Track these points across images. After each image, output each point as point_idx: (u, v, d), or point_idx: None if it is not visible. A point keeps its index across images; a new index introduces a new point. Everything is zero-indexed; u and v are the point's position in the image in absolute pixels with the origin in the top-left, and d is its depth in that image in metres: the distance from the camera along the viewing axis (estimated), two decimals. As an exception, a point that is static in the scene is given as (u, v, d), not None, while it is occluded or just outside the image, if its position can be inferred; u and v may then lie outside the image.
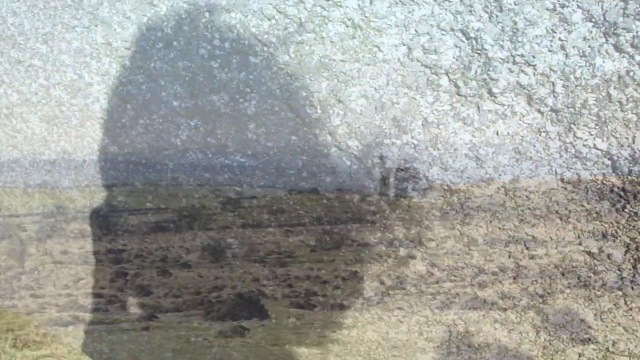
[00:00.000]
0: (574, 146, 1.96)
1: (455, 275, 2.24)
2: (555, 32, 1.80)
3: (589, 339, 2.26)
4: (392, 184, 2.00)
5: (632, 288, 2.12)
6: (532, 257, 2.15)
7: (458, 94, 1.95)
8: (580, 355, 2.31)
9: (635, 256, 2.06)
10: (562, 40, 1.81)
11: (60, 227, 2.13)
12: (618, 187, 1.98)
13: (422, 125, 2.02)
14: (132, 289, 2.22)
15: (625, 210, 2.00)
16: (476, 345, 2.38)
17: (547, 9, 1.78)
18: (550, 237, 2.11)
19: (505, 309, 2.27)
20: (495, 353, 2.38)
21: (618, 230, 2.04)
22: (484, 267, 2.20)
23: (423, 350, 2.43)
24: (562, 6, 1.76)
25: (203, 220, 2.12)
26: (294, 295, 2.18)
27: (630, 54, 1.78)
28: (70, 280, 2.20)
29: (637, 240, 2.04)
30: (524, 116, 1.94)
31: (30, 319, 2.64)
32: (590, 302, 2.19)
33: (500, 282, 2.21)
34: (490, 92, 1.92)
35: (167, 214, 2.06)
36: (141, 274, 2.22)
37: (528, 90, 1.90)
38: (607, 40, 1.78)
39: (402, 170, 2.06)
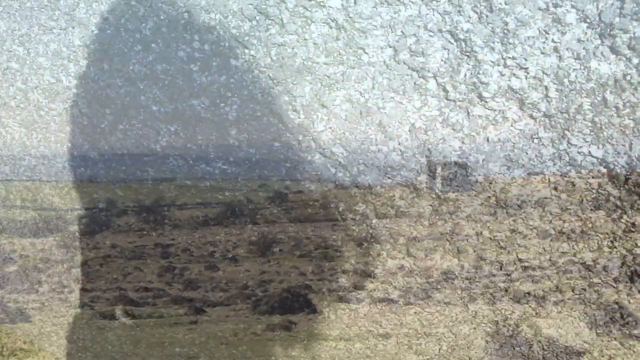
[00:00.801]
0: (568, 153, 1.88)
1: (445, 287, 2.17)
2: (548, 34, 1.73)
3: (584, 353, 2.18)
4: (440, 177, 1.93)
5: (629, 301, 2.04)
6: (524, 269, 2.07)
7: (447, 99, 1.88)
8: (576, 369, 2.24)
9: (632, 268, 1.99)
10: (555, 42, 1.73)
11: (110, 221, 2.09)
12: (614, 197, 1.90)
13: (410, 131, 1.95)
14: (179, 283, 2.20)
15: (622, 220, 1.92)
16: (467, 359, 2.30)
17: (540, 9, 1.71)
18: (544, 248, 2.03)
19: (497, 322, 2.19)
20: (487, 368, 2.31)
21: (614, 242, 1.97)
22: (475, 278, 2.12)
23: (413, 364, 2.37)
24: (556, 6, 1.69)
25: (250, 214, 2.08)
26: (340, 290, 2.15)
27: (627, 56, 1.70)
28: (119, 274, 2.19)
29: (634, 252, 1.96)
30: (515, 122, 1.87)
31: (15, 329, 2.60)
32: (585, 315, 2.11)
33: (491, 294, 2.14)
34: (480, 97, 1.85)
35: (215, 209, 2.01)
36: (189, 268, 2.20)
37: (520, 95, 1.83)
38: (602, 42, 1.71)
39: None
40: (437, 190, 1.85)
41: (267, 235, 2.05)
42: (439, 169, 1.89)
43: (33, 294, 2.26)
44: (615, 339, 2.13)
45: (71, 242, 2.15)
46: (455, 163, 1.85)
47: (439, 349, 2.31)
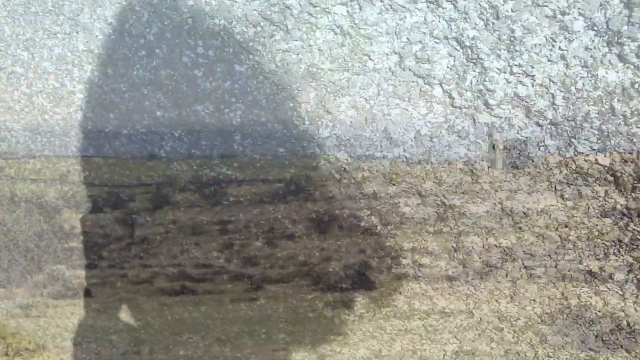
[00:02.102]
0: (574, 161, 1.86)
1: (449, 294, 2.15)
2: (555, 41, 1.71)
3: (591, 361, 2.17)
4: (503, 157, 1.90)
5: (635, 309, 2.02)
6: (530, 276, 2.06)
7: (452, 106, 1.86)
8: (581, 376, 2.22)
9: (639, 276, 1.97)
10: (562, 49, 1.71)
11: (170, 198, 2.08)
12: (621, 205, 1.88)
13: (415, 138, 1.93)
14: (239, 260, 2.18)
15: (629, 228, 1.91)
16: (472, 365, 2.30)
17: (547, 17, 1.69)
18: (549, 256, 2.01)
19: (501, 329, 2.18)
20: (492, 374, 2.30)
21: (620, 250, 1.95)
22: (479, 285, 2.11)
23: (417, 370, 2.36)
24: (563, 13, 1.67)
25: (308, 192, 2.06)
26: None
27: (635, 64, 1.68)
28: (179, 250, 2.18)
29: (641, 259, 1.95)
30: (522, 129, 1.85)
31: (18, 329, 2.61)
32: (591, 323, 2.10)
33: (496, 301, 2.12)
34: (486, 104, 1.83)
35: (274, 186, 2.00)
36: (248, 245, 2.17)
37: (526, 102, 1.81)
38: (610, 49, 1.69)
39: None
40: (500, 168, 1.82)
41: (326, 212, 2.02)
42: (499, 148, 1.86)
43: (94, 270, 2.26)
44: (621, 346, 2.11)
45: (131, 219, 2.14)
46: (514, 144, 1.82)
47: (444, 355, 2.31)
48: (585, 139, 1.81)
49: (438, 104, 1.87)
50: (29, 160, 2.16)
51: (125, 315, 2.51)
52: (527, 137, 1.85)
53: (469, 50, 1.78)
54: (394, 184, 2.01)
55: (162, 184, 2.08)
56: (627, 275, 1.98)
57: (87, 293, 2.27)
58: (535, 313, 2.13)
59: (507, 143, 1.85)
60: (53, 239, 2.17)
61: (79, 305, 2.50)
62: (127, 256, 2.21)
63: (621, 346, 2.10)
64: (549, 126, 1.83)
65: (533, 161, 1.88)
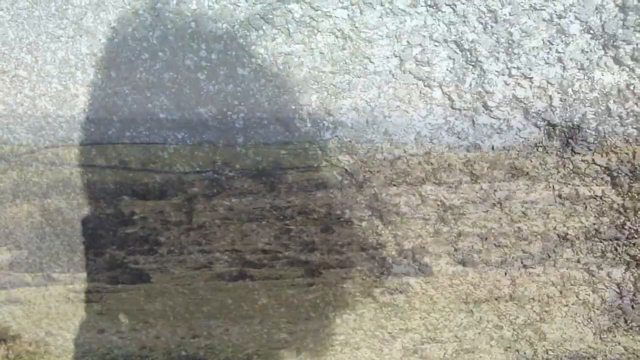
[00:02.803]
0: (572, 161, 1.89)
1: (450, 293, 2.18)
2: (552, 44, 1.74)
3: (588, 358, 2.20)
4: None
5: (633, 307, 2.05)
6: (529, 275, 2.09)
7: (452, 107, 1.89)
8: (579, 373, 2.25)
9: (636, 274, 2.00)
10: (559, 52, 1.74)
11: (227, 184, 2.09)
12: (618, 204, 1.92)
13: (415, 139, 1.96)
14: (296, 246, 2.18)
15: (625, 227, 1.94)
16: (472, 363, 2.32)
17: (544, 20, 1.72)
18: (548, 255, 2.05)
19: (501, 327, 2.21)
20: (492, 372, 2.33)
21: (618, 248, 1.98)
22: (479, 284, 2.14)
23: (418, 368, 2.38)
24: (560, 17, 1.70)
25: (364, 177, 2.08)
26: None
27: (630, 66, 1.71)
28: (237, 236, 2.18)
29: (637, 257, 1.98)
30: (520, 130, 1.88)
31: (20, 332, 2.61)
32: (589, 320, 2.13)
33: (496, 299, 2.15)
34: (485, 106, 1.86)
35: (329, 172, 2.01)
36: (305, 231, 2.17)
37: (524, 104, 1.84)
38: (606, 52, 1.72)
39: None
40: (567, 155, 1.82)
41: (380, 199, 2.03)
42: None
43: (152, 256, 2.26)
44: (619, 344, 2.15)
45: (189, 205, 2.15)
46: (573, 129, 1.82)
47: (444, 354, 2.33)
48: (582, 140, 1.85)
49: (438, 105, 1.90)
50: (85, 147, 2.15)
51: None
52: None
53: (468, 53, 1.81)
54: (394, 185, 2.04)
55: (220, 170, 2.08)
56: (624, 273, 2.01)
57: (146, 278, 2.28)
58: (534, 311, 2.16)
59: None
60: (112, 224, 2.18)
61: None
62: (186, 242, 2.21)
63: (619, 343, 2.13)
64: (546, 127, 1.86)
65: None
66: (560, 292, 2.10)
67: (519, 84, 1.81)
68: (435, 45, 1.82)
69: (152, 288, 2.31)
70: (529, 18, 1.72)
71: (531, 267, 2.08)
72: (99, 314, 2.40)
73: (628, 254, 1.98)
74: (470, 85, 1.85)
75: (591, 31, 1.70)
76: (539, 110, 1.84)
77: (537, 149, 1.90)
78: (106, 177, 2.15)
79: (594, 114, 1.80)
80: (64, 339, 2.63)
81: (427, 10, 1.78)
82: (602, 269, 2.03)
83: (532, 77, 1.79)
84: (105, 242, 2.23)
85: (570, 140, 1.85)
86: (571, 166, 1.90)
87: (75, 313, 2.42)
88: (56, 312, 2.42)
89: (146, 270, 2.28)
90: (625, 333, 2.12)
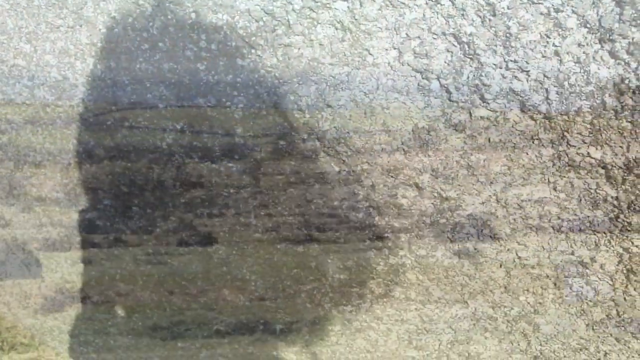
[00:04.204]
0: (567, 154, 1.92)
1: (445, 284, 2.20)
2: (549, 38, 1.76)
3: (581, 349, 2.22)
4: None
5: (625, 299, 2.08)
6: (523, 267, 2.11)
7: (449, 100, 1.91)
8: (572, 365, 2.28)
9: (628, 266, 2.03)
10: (556, 45, 1.76)
11: (294, 148, 2.07)
12: (612, 197, 1.94)
13: (413, 131, 1.98)
14: (362, 210, 2.18)
15: (619, 219, 1.96)
16: (466, 354, 2.34)
17: (542, 14, 1.74)
18: (543, 246, 2.07)
19: (495, 318, 2.23)
20: (486, 363, 2.35)
21: (611, 240, 2.01)
22: (475, 275, 2.16)
23: (412, 359, 2.40)
24: (557, 11, 1.72)
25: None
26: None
27: (626, 60, 1.74)
28: (303, 200, 2.17)
29: (630, 250, 2.01)
30: (516, 123, 1.90)
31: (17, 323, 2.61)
32: (582, 312, 2.15)
33: (491, 291, 2.17)
34: (482, 98, 1.88)
35: (397, 138, 2.01)
36: (371, 196, 2.16)
37: (521, 97, 1.86)
38: (602, 46, 1.74)
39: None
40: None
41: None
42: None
43: (219, 218, 2.25)
44: (611, 335, 2.17)
45: (256, 168, 2.13)
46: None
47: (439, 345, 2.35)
48: (577, 133, 1.87)
49: (435, 98, 1.92)
50: (147, 110, 2.13)
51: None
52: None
53: (466, 46, 1.83)
54: (392, 176, 2.06)
55: (285, 134, 2.07)
56: (617, 265, 2.04)
57: (214, 241, 2.27)
58: (529, 303, 2.18)
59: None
60: (179, 188, 2.16)
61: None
62: (253, 205, 2.20)
63: (611, 335, 2.16)
64: (542, 120, 1.88)
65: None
66: (554, 284, 2.13)
67: (515, 77, 1.83)
68: (434, 38, 1.84)
69: (218, 251, 2.30)
70: (527, 12, 1.74)
71: (525, 259, 2.10)
72: (168, 274, 2.39)
73: (621, 247, 2.01)
74: (468, 77, 1.86)
75: (588, 25, 1.72)
76: (536, 103, 1.86)
77: (533, 142, 1.92)
78: (174, 139, 2.12)
79: (590, 107, 1.82)
80: (60, 331, 2.64)
81: (426, 3, 1.79)
82: (595, 261, 2.06)
83: (529, 70, 1.81)
84: (173, 205, 2.21)
85: (565, 133, 1.88)
86: (566, 159, 1.92)
87: (143, 274, 2.41)
88: (124, 274, 2.41)
89: (213, 233, 2.26)
90: (618, 325, 2.14)
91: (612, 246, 2.01)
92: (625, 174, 1.89)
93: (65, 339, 2.64)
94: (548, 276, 2.11)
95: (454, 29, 1.81)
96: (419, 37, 1.84)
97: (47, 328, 2.64)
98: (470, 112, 1.91)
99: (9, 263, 2.46)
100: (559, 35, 1.75)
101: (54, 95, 2.21)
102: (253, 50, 1.96)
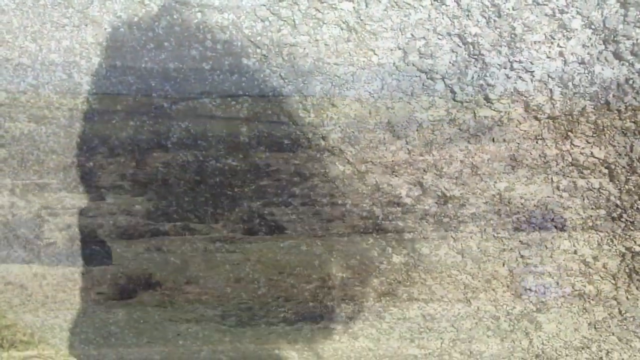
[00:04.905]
0: (570, 154, 1.93)
1: (448, 283, 2.21)
2: (554, 39, 1.77)
3: (583, 348, 2.24)
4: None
5: (627, 298, 2.09)
6: (526, 265, 2.12)
7: (454, 100, 1.92)
8: (573, 363, 2.29)
9: (631, 265, 2.04)
10: (560, 46, 1.78)
11: (362, 137, 2.06)
12: (615, 196, 1.95)
13: (417, 130, 1.99)
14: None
15: (622, 219, 1.98)
16: (468, 353, 2.35)
17: (546, 15, 1.75)
18: (545, 246, 2.08)
19: (498, 317, 2.24)
20: (488, 361, 2.36)
21: (614, 240, 2.02)
22: (477, 274, 2.17)
23: (415, 358, 2.41)
24: (562, 12, 1.73)
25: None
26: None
27: (630, 61, 1.75)
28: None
29: (632, 249, 2.02)
30: (520, 123, 1.91)
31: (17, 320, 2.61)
32: (584, 311, 2.17)
33: (493, 290, 2.19)
34: (486, 98, 1.89)
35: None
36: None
37: (525, 97, 1.87)
38: (606, 47, 1.76)
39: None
40: None
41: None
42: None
43: (288, 207, 2.23)
44: (613, 334, 2.18)
45: (322, 156, 2.12)
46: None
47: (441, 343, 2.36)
48: (581, 133, 1.88)
49: (440, 98, 1.93)
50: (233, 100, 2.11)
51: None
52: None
53: (471, 47, 1.84)
54: (396, 176, 2.07)
55: (353, 123, 2.06)
56: (619, 264, 2.05)
57: (281, 230, 2.27)
58: (531, 301, 2.19)
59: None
60: (248, 176, 2.16)
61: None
62: (320, 194, 2.19)
63: (613, 333, 2.17)
64: (546, 120, 1.89)
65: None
66: (557, 283, 2.14)
67: (520, 77, 1.84)
68: (439, 39, 1.85)
69: (287, 239, 2.29)
70: (532, 13, 1.75)
71: (528, 258, 2.11)
72: (236, 264, 2.38)
73: (624, 246, 2.02)
74: (473, 78, 1.88)
75: (592, 26, 1.74)
76: (540, 103, 1.87)
77: (537, 142, 1.93)
78: (241, 129, 2.11)
79: (594, 108, 1.84)
80: (60, 328, 2.63)
81: (432, 4, 1.80)
82: (598, 261, 2.07)
83: (533, 71, 1.83)
84: (242, 193, 2.21)
85: (569, 133, 1.89)
86: (570, 159, 1.94)
87: (212, 263, 2.40)
88: (193, 263, 2.40)
89: (281, 222, 2.26)
90: (620, 324, 2.16)
91: (615, 245, 2.03)
92: (629, 174, 1.90)
93: (66, 337, 2.63)
94: (550, 275, 2.12)
95: (459, 29, 1.82)
96: (424, 37, 1.85)
97: (48, 326, 2.63)
98: (474, 112, 1.92)
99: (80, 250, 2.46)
100: (564, 36, 1.76)
101: (58, 94, 2.21)
102: (258, 50, 1.96)
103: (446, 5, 1.79)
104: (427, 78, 1.90)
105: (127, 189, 2.28)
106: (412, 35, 1.85)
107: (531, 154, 1.95)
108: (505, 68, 1.84)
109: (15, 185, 2.34)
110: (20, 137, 2.28)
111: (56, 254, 2.43)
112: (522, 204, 2.04)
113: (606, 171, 1.92)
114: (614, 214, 1.98)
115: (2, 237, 2.43)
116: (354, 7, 1.85)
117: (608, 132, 1.86)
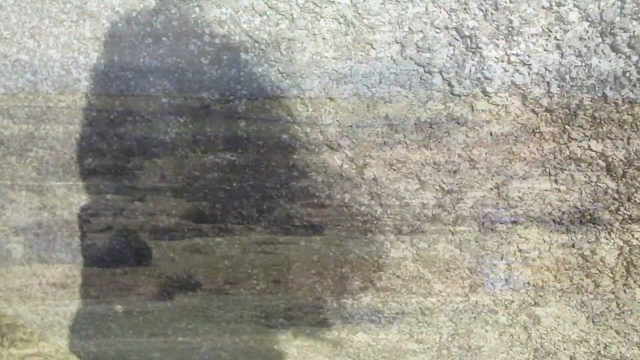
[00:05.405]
0: (568, 147, 1.93)
1: (446, 277, 2.21)
2: (551, 31, 1.78)
3: (581, 342, 2.24)
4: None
5: (625, 291, 2.10)
6: (524, 259, 2.12)
7: (452, 93, 1.92)
8: (571, 358, 2.29)
9: (628, 259, 2.04)
10: (558, 39, 1.78)
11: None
12: (612, 189, 1.96)
13: (415, 124, 1.99)
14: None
15: (619, 212, 1.98)
16: (467, 347, 2.35)
17: (543, 8, 1.75)
18: (543, 239, 2.08)
19: (496, 312, 2.24)
20: (487, 355, 2.36)
21: (611, 233, 2.02)
22: (476, 268, 2.17)
23: (413, 353, 2.41)
24: (559, 5, 1.74)
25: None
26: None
27: (627, 54, 1.75)
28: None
29: (630, 243, 2.02)
30: (518, 116, 1.91)
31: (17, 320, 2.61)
32: (582, 304, 2.17)
33: (491, 284, 2.19)
34: (484, 92, 1.90)
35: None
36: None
37: (523, 90, 1.87)
38: (603, 40, 1.76)
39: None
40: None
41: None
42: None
43: (325, 209, 2.22)
44: (611, 327, 2.19)
45: (359, 158, 2.11)
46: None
47: (440, 338, 2.36)
48: (578, 126, 1.89)
49: (438, 91, 1.93)
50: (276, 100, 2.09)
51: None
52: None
53: (468, 40, 1.85)
54: (394, 170, 2.07)
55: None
56: (617, 258, 2.05)
57: (318, 230, 2.26)
58: (529, 296, 2.20)
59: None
60: (287, 177, 2.15)
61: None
62: (357, 194, 2.18)
63: (611, 327, 2.17)
64: (544, 113, 1.90)
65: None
66: (555, 277, 2.14)
67: (517, 70, 1.85)
68: (436, 32, 1.85)
69: (324, 240, 2.29)
70: (529, 5, 1.76)
71: (526, 252, 2.12)
72: (274, 265, 2.38)
73: (621, 239, 2.02)
74: (470, 71, 1.88)
75: (589, 19, 1.74)
76: (537, 96, 1.87)
77: (535, 135, 1.93)
78: (282, 130, 2.11)
79: (591, 101, 1.84)
80: (60, 326, 2.63)
81: (429, -3, 1.81)
82: (595, 254, 2.07)
83: (530, 64, 1.83)
84: (279, 194, 2.20)
85: (567, 127, 1.89)
86: (567, 152, 1.94)
87: (251, 262, 2.39)
88: (233, 263, 2.40)
89: (318, 223, 2.25)
90: (617, 317, 2.16)
91: (613, 239, 2.03)
92: (626, 167, 1.90)
93: (66, 334, 2.63)
94: (548, 269, 2.13)
95: (456, 22, 1.82)
96: (421, 31, 1.85)
97: (48, 324, 2.63)
98: (472, 106, 1.93)
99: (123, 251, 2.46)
100: (561, 28, 1.77)
101: (56, 90, 2.21)
102: (257, 44, 1.97)
103: (443, -1, 1.80)
104: (425, 72, 1.91)
105: (167, 189, 2.28)
106: (409, 28, 1.86)
107: (529, 147, 1.95)
108: (502, 61, 1.84)
109: (56, 187, 2.34)
110: (58, 137, 2.28)
111: (96, 254, 2.44)
112: (519, 197, 2.04)
113: (604, 164, 1.93)
114: (612, 207, 1.98)
115: (43, 238, 2.43)
116: (351, 1, 1.85)
117: (605, 125, 1.86)
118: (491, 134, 1.96)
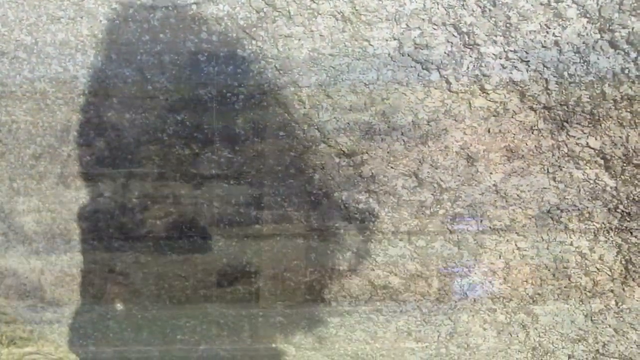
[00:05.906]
0: (566, 144, 1.92)
1: (444, 275, 2.21)
2: (549, 28, 1.77)
3: (579, 340, 2.23)
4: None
5: (623, 289, 2.09)
6: (522, 257, 2.12)
7: (449, 90, 1.92)
8: (570, 356, 2.28)
9: (627, 257, 2.04)
10: (556, 36, 1.77)
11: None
12: (611, 187, 1.95)
13: (412, 121, 1.98)
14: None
15: (618, 210, 1.97)
16: (465, 346, 2.35)
17: (542, 4, 1.75)
18: (542, 237, 2.08)
19: (495, 310, 2.24)
20: (485, 354, 2.35)
21: (610, 231, 2.01)
22: (474, 267, 2.17)
23: (412, 351, 2.40)
24: (557, 1, 1.73)
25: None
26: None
27: (626, 50, 1.75)
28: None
29: (629, 240, 2.02)
30: (516, 113, 1.91)
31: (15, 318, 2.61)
32: (581, 303, 2.16)
33: (490, 282, 2.18)
34: (482, 89, 1.89)
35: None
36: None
37: (521, 87, 1.87)
38: (602, 36, 1.75)
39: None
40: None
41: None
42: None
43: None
44: (609, 326, 2.18)
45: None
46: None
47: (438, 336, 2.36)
48: (577, 123, 1.88)
49: (435, 88, 1.92)
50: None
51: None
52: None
53: (466, 37, 1.84)
54: (391, 167, 2.06)
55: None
56: (615, 256, 2.04)
57: (375, 217, 2.24)
58: (528, 294, 2.19)
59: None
60: (335, 167, 2.14)
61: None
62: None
63: (609, 325, 2.17)
64: (542, 110, 1.89)
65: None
66: (553, 275, 2.13)
67: (515, 67, 1.84)
68: (434, 29, 1.85)
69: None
70: (527, 2, 1.75)
71: (525, 250, 2.11)
72: (331, 251, 2.36)
73: (620, 237, 2.02)
74: (468, 68, 1.87)
75: (588, 15, 1.73)
76: (535, 93, 1.87)
77: (533, 132, 1.93)
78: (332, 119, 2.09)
79: (589, 97, 1.83)
80: (60, 324, 2.63)
81: (427, -6, 1.81)
82: (594, 252, 2.07)
83: (528, 61, 1.82)
84: (334, 183, 2.18)
85: (565, 124, 1.89)
86: (566, 149, 1.93)
87: (309, 251, 2.37)
88: (290, 251, 2.38)
89: (373, 210, 2.23)
90: (616, 315, 2.15)
91: (611, 237, 2.02)
92: (625, 164, 1.90)
93: (65, 332, 2.63)
94: (547, 267, 2.12)
95: (454, 19, 1.82)
96: (419, 27, 1.85)
97: (47, 322, 2.63)
98: (469, 103, 1.92)
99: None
100: (559, 25, 1.76)
101: (54, 87, 2.21)
102: (254, 42, 1.97)
103: (441, -5, 1.79)
104: (423, 68, 1.90)
105: (224, 177, 2.27)
106: (407, 25, 1.85)
107: (527, 144, 1.95)
108: (500, 58, 1.83)
109: (119, 175, 2.33)
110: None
111: (155, 243, 2.42)
112: (518, 195, 2.03)
113: (602, 162, 1.92)
114: (610, 205, 1.98)
115: (104, 225, 2.42)
116: (349, -2, 1.85)
117: (604, 122, 1.86)
118: (489, 131, 1.95)
